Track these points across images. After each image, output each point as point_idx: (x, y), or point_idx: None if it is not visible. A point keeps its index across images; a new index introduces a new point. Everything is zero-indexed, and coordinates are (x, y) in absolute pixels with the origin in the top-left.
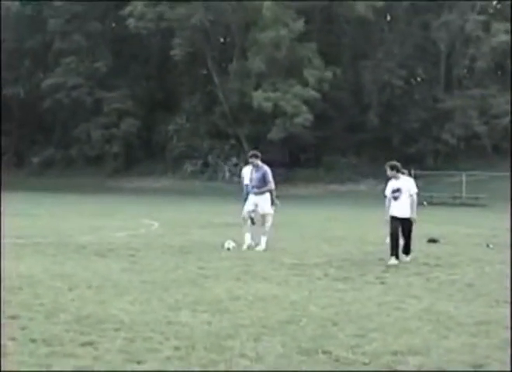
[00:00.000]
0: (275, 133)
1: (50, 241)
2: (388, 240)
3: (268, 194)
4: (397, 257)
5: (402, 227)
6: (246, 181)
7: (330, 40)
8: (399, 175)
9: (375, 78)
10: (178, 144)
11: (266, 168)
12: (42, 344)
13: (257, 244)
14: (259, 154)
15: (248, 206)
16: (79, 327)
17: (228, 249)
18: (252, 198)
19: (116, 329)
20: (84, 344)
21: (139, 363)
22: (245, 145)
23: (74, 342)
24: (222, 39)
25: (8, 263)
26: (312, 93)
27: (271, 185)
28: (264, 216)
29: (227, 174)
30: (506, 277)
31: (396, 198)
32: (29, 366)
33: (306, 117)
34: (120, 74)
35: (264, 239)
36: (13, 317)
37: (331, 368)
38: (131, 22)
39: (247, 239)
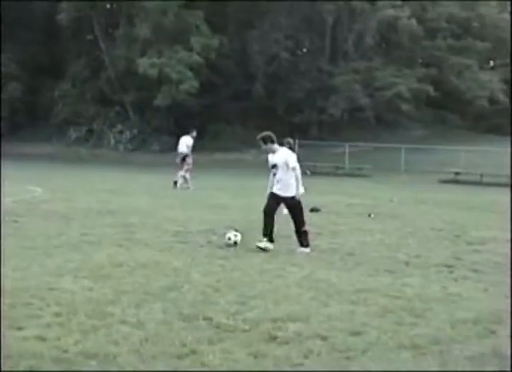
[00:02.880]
0: (161, 100)
1: None
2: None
3: None
4: (271, 240)
5: (288, 209)
6: None
7: (217, 8)
8: (276, 147)
9: (261, 48)
10: (62, 110)
11: None
12: None
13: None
14: None
15: None
16: None
17: (235, 243)
18: None
19: None
20: None
21: (19, 329)
22: (130, 112)
23: None
24: (108, 5)
25: None
26: (197, 58)
27: None
28: None
29: (112, 141)
30: (385, 246)
31: (275, 175)
32: None
33: (191, 84)
34: (5, 38)
35: None
36: None
37: (212, 334)
38: None
39: None
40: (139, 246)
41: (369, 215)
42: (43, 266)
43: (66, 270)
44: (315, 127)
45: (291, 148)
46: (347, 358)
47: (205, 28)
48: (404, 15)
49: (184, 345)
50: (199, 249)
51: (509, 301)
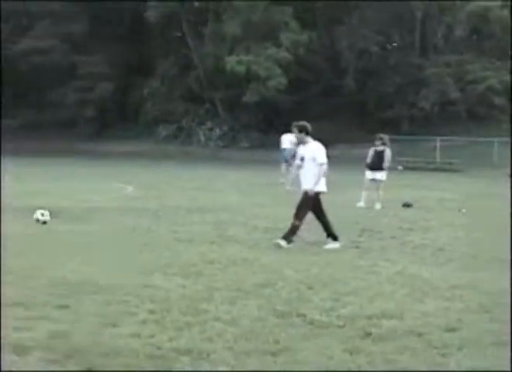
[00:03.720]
0: (249, 97)
1: (20, 205)
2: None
3: None
4: (335, 238)
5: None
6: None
7: (306, 4)
8: (308, 139)
9: (351, 44)
10: (152, 108)
11: None
12: (19, 307)
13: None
14: None
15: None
16: (55, 290)
17: (37, 220)
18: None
19: (93, 292)
20: (60, 307)
21: (115, 326)
22: (220, 109)
23: (49, 305)
24: (196, 3)
25: None
26: (285, 55)
27: None
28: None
29: (202, 139)
30: (477, 242)
31: (299, 168)
32: (9, 330)
33: (279, 80)
34: (95, 38)
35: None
36: None
37: (306, 331)
38: None
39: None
40: (230, 243)
41: (460, 210)
42: (135, 263)
43: (158, 267)
44: (406, 122)
45: (384, 143)
46: (443, 355)
47: (294, 24)
48: (496, 5)
49: (277, 342)
50: (290, 246)
51: None
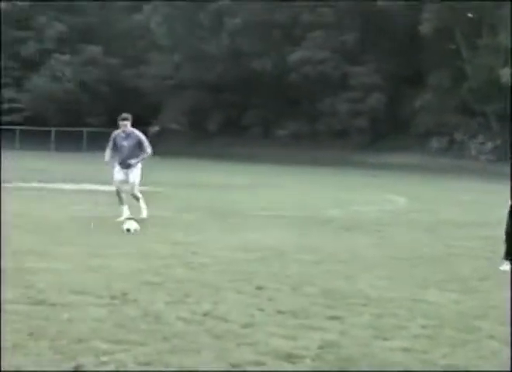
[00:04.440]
0: None
1: (296, 213)
2: None
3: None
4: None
5: None
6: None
7: None
8: None
9: None
10: (424, 120)
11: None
12: (289, 316)
13: None
14: (130, 116)
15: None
16: (326, 301)
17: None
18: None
19: (363, 304)
20: (330, 318)
21: (385, 339)
22: (493, 122)
23: (320, 315)
24: (470, 15)
25: (255, 235)
26: None
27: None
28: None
29: (473, 152)
30: None
31: None
32: (277, 338)
33: None
34: (367, 49)
35: None
36: (260, 287)
37: None
38: None
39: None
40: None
41: None
42: (408, 277)
43: (432, 281)
44: None
45: None
46: None
47: None
48: None
49: None
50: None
51: None
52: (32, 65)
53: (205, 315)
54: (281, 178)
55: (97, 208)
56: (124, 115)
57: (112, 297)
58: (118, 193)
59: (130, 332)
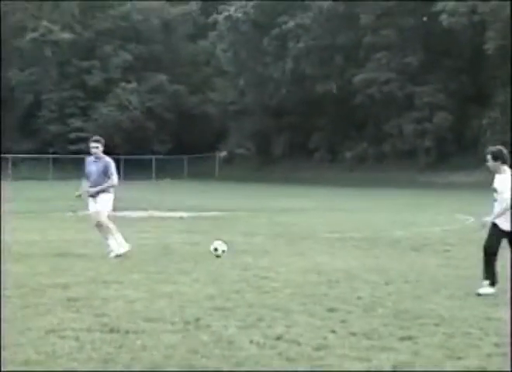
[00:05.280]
0: None
1: (363, 235)
2: None
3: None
4: (493, 284)
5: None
6: None
7: None
8: (504, 169)
9: None
10: (491, 138)
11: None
12: (362, 337)
13: None
14: (102, 139)
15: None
16: (397, 321)
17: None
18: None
19: (435, 324)
20: (403, 338)
21: (459, 358)
22: None
23: (392, 336)
24: None
25: (323, 258)
26: None
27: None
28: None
29: None
30: None
31: (495, 201)
32: (351, 360)
33: None
34: (431, 69)
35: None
36: (332, 310)
37: None
38: (444, 17)
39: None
40: None
41: None
42: (480, 295)
43: (502, 300)
44: None
45: None
46: None
47: None
48: None
49: None
50: None
51: None
52: (98, 94)
53: (277, 338)
54: (348, 201)
55: (165, 235)
56: (95, 137)
57: (185, 323)
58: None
59: (204, 357)
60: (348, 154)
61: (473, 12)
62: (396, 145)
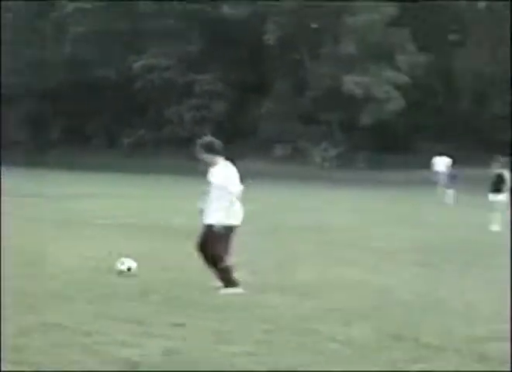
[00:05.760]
0: (366, 119)
1: (137, 221)
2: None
3: None
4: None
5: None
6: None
7: (422, 26)
8: (218, 160)
9: (467, 66)
10: (267, 128)
11: None
12: (134, 324)
13: None
14: None
15: None
16: (169, 308)
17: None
18: None
19: (207, 311)
20: (175, 325)
21: (229, 344)
22: (336, 130)
23: (164, 322)
24: (314, 25)
25: (92, 243)
26: (403, 77)
27: None
28: None
29: (318, 159)
30: None
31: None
32: (121, 346)
33: (397, 103)
34: (212, 57)
35: None
36: (104, 296)
37: (420, 354)
38: (225, 7)
39: None
40: (340, 263)
41: None
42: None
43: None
44: None
45: (503, 166)
46: None
47: (411, 46)
48: None
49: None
50: (406, 268)
51: None
52: None
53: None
54: (124, 187)
55: None
56: None
57: None
58: None
59: None
60: (126, 140)
61: (253, 2)
62: (175, 131)
